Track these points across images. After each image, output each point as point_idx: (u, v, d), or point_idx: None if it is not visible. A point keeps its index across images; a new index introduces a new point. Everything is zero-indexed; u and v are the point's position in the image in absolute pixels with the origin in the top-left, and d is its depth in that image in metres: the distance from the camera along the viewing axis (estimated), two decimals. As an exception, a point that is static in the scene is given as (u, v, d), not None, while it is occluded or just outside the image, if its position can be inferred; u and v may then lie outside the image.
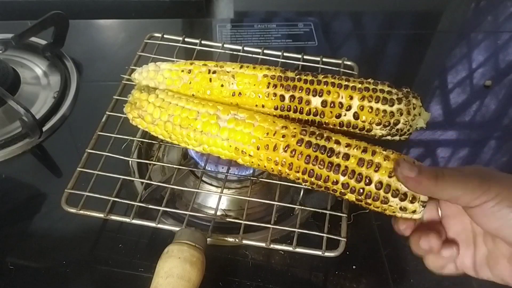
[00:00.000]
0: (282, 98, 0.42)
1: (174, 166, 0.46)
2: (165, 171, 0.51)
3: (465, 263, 0.34)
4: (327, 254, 0.40)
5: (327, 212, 0.42)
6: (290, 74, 0.43)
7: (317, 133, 0.38)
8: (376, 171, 0.35)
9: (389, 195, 0.35)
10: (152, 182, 0.46)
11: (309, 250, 0.40)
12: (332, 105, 0.41)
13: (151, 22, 0.78)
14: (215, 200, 0.46)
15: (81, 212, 0.42)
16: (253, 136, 0.39)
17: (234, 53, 0.57)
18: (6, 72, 0.60)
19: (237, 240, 0.41)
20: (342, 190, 0.36)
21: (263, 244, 0.41)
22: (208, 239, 0.40)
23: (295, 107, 0.42)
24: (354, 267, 0.45)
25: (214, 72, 0.44)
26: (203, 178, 0.50)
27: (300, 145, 0.37)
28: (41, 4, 0.76)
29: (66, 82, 0.63)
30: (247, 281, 0.44)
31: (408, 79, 0.71)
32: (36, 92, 0.62)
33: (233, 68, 0.44)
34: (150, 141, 0.49)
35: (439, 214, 0.35)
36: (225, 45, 0.56)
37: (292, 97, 0.42)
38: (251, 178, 0.45)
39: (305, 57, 0.55)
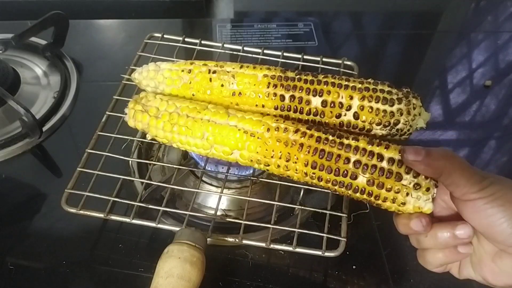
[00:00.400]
0: (282, 98, 0.42)
1: (174, 166, 0.46)
2: (165, 171, 0.51)
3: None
4: (327, 254, 0.40)
5: (327, 212, 0.42)
6: (290, 74, 0.43)
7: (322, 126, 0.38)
8: (386, 150, 0.35)
9: (402, 170, 0.34)
10: (152, 182, 0.46)
11: (309, 250, 0.40)
12: (332, 105, 0.41)
13: (151, 22, 0.78)
14: (215, 200, 0.46)
15: (81, 212, 0.42)
16: (263, 122, 0.39)
17: (234, 53, 0.57)
18: (6, 72, 0.60)
19: (237, 240, 0.41)
20: (354, 171, 0.35)
21: (263, 244, 0.41)
22: (208, 239, 0.40)
23: (295, 107, 0.42)
24: (354, 267, 0.45)
25: (214, 72, 0.44)
26: (203, 178, 0.50)
27: (310, 130, 0.38)
28: (41, 4, 0.76)
29: (66, 82, 0.63)
30: (247, 281, 0.44)
31: (408, 79, 0.71)
32: (36, 92, 0.62)
33: (233, 68, 0.44)
34: (150, 141, 0.49)
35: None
36: (225, 45, 0.56)
37: (292, 97, 0.42)
38: (251, 178, 0.45)
39: (305, 57, 0.55)
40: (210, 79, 0.44)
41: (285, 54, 0.55)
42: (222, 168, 0.48)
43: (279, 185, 0.44)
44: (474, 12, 0.87)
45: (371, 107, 0.39)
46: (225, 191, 0.45)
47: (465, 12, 0.87)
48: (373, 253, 0.47)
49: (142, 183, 0.46)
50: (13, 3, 0.78)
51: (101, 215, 0.42)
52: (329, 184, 0.37)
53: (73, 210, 0.42)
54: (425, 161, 0.32)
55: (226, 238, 0.42)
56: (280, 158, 0.38)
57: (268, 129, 0.38)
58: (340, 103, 0.40)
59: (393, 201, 0.35)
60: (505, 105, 0.67)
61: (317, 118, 0.42)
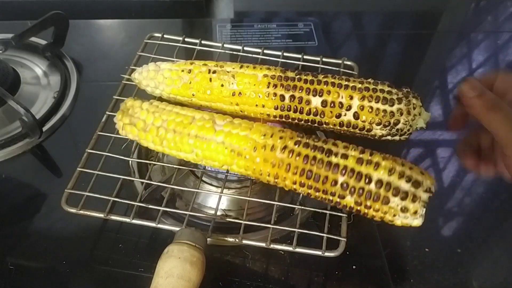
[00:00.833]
0: (282, 98, 0.42)
1: (174, 166, 0.46)
2: (165, 171, 0.51)
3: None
4: (327, 254, 0.40)
5: (327, 212, 0.42)
6: (290, 74, 0.43)
7: (314, 136, 0.38)
8: (375, 169, 0.35)
9: (389, 194, 0.34)
10: (152, 182, 0.46)
11: (309, 250, 0.40)
12: (332, 105, 0.41)
13: (151, 22, 0.78)
14: (215, 200, 0.46)
15: (81, 212, 0.42)
16: (249, 139, 0.39)
17: (234, 53, 0.57)
18: (6, 72, 0.60)
19: (237, 240, 0.41)
20: (341, 193, 0.36)
21: (263, 244, 0.41)
22: (208, 239, 0.40)
23: (295, 107, 0.42)
24: (354, 267, 0.45)
25: (214, 72, 0.44)
26: (203, 178, 0.50)
27: (298, 146, 0.37)
28: (41, 4, 0.76)
29: (66, 82, 0.63)
30: (247, 281, 0.44)
31: (408, 79, 0.71)
32: (36, 92, 0.62)
33: (233, 68, 0.44)
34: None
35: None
36: (225, 45, 0.56)
37: (292, 97, 0.42)
38: (251, 178, 0.45)
39: (305, 57, 0.55)
40: (210, 79, 0.44)
41: (285, 54, 0.55)
42: (222, 168, 0.48)
43: (279, 185, 0.44)
44: (474, 12, 0.87)
45: (371, 107, 0.39)
46: (225, 191, 0.45)
47: (465, 12, 0.87)
48: (373, 253, 0.47)
49: (142, 183, 0.46)
50: (13, 3, 0.78)
51: (101, 215, 0.42)
52: (319, 199, 0.38)
53: (73, 210, 0.42)
54: (472, 101, 0.33)
55: (226, 238, 0.42)
56: (268, 175, 0.39)
57: (255, 148, 0.38)
58: (340, 103, 0.40)
59: (381, 218, 0.36)
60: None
61: (317, 118, 0.42)
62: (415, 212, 0.34)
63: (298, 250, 0.40)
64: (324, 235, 0.40)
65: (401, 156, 0.45)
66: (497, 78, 0.35)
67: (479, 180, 0.55)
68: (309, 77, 0.42)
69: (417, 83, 0.71)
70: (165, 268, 0.36)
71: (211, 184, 0.50)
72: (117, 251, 0.46)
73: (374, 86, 0.40)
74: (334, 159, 0.36)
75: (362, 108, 0.40)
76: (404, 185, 0.34)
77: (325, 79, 0.42)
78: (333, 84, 0.41)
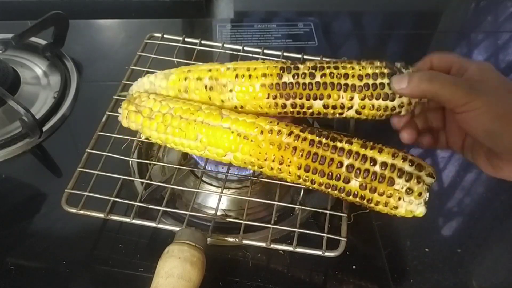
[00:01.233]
0: (284, 105, 0.41)
1: (174, 166, 0.46)
2: (165, 171, 0.51)
3: (456, 143, 0.39)
4: (327, 254, 0.40)
5: (327, 212, 0.42)
6: (287, 76, 0.41)
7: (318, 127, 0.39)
8: (379, 153, 0.35)
9: (394, 175, 0.34)
10: (152, 182, 0.46)
11: (309, 250, 0.40)
12: (333, 107, 0.41)
13: (151, 22, 0.78)
14: (215, 200, 0.46)
15: (81, 212, 0.42)
16: (256, 124, 0.39)
17: (234, 53, 0.57)
18: (6, 72, 0.60)
19: (237, 240, 0.41)
20: (346, 175, 0.36)
21: (263, 244, 0.41)
22: (208, 239, 0.40)
23: (297, 112, 0.42)
24: (354, 267, 0.45)
25: (211, 88, 0.43)
26: (203, 178, 0.50)
27: (304, 132, 0.38)
28: (41, 4, 0.76)
29: (66, 82, 0.63)
30: (247, 281, 0.44)
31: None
32: (36, 92, 0.62)
33: (229, 80, 0.42)
34: (150, 141, 0.49)
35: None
36: (225, 45, 0.56)
37: (294, 104, 0.41)
38: (251, 178, 0.45)
39: (305, 57, 0.55)
40: (210, 97, 0.43)
41: (285, 54, 0.55)
42: (222, 168, 0.47)
43: (279, 185, 0.44)
44: (474, 12, 0.87)
45: (372, 105, 0.39)
46: (225, 191, 0.45)
47: (465, 12, 0.87)
48: (373, 253, 0.47)
49: (142, 183, 0.46)
50: (13, 3, 0.78)
51: (101, 215, 0.42)
52: (322, 187, 0.38)
53: (73, 210, 0.42)
54: (409, 88, 0.35)
55: (226, 238, 0.42)
56: (273, 161, 0.38)
57: (262, 132, 0.38)
58: (342, 104, 0.40)
59: (386, 205, 0.36)
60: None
61: (320, 116, 0.42)
62: (420, 195, 0.34)
63: (298, 250, 0.40)
64: (324, 235, 0.40)
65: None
66: (433, 61, 0.38)
67: (479, 180, 0.55)
68: (307, 80, 0.40)
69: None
70: (165, 268, 0.36)
71: (211, 184, 0.50)
72: (117, 251, 0.46)
73: (373, 81, 0.39)
74: (339, 144, 0.37)
75: (363, 107, 0.40)
76: (408, 168, 0.35)
77: (323, 80, 0.40)
78: (332, 85, 0.40)
